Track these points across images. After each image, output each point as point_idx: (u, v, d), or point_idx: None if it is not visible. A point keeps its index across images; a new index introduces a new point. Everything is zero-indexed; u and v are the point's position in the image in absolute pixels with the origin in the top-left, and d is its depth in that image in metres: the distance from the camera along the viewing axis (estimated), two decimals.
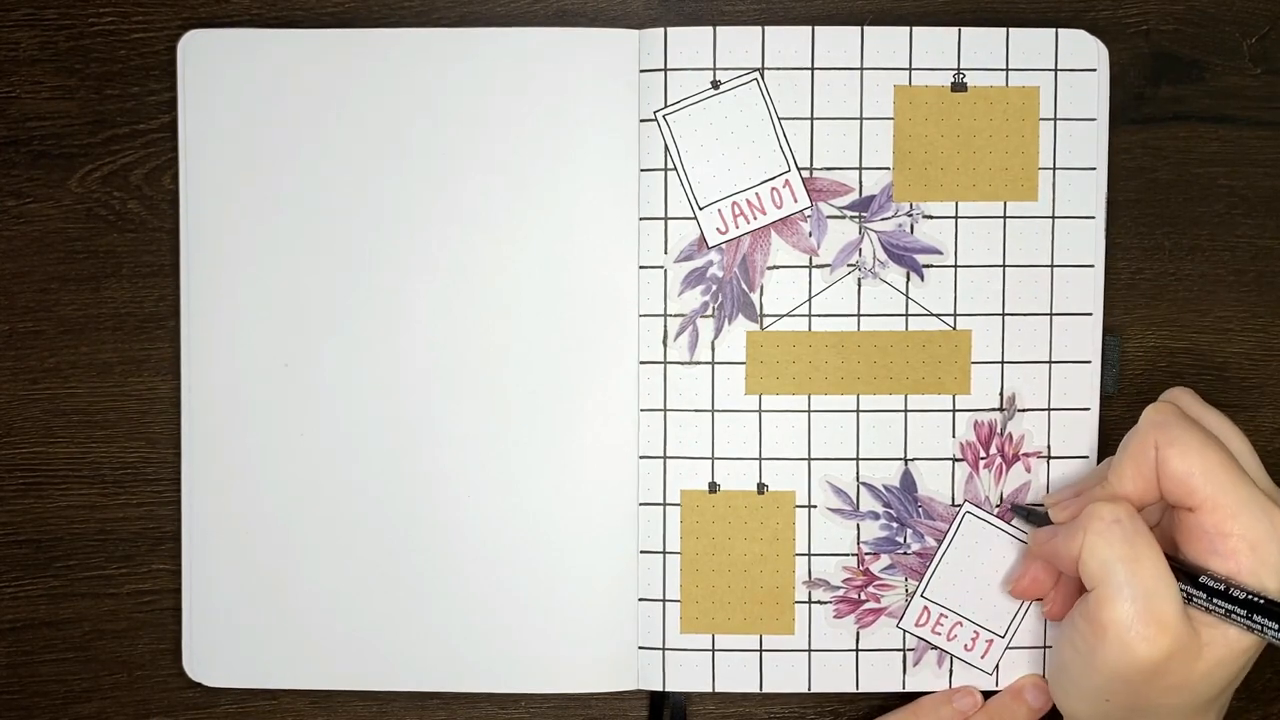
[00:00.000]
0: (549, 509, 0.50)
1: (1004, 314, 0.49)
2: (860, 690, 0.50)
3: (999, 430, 0.50)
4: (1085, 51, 0.49)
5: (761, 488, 0.50)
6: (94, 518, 0.51)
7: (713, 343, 0.49)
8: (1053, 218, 0.49)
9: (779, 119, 0.49)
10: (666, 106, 0.49)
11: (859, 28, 0.49)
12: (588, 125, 0.49)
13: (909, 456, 0.50)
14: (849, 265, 0.49)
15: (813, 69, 0.49)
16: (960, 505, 0.50)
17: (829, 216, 0.49)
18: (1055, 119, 0.49)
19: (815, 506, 0.50)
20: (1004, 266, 0.49)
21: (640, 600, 0.50)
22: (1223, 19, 0.50)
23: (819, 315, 0.49)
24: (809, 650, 0.50)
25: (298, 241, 0.49)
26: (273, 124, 0.49)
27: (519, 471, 0.50)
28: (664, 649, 0.50)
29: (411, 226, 0.49)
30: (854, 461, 0.50)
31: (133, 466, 0.51)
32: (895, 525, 0.50)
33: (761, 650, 0.50)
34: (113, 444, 0.51)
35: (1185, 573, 0.42)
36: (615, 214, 0.49)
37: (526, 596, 0.50)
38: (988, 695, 0.50)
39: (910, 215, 0.49)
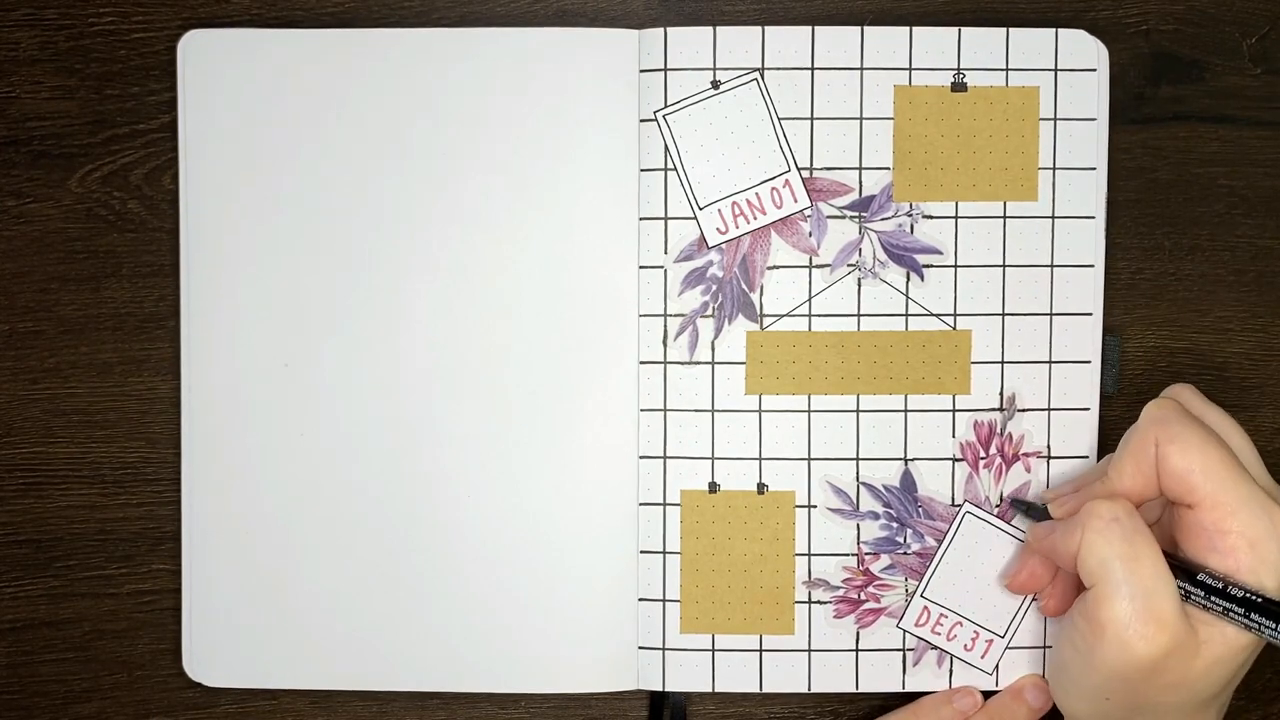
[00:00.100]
0: (549, 509, 0.50)
1: (1004, 314, 0.49)
2: (860, 690, 0.50)
3: (999, 430, 0.50)
4: (1085, 51, 0.49)
5: (761, 488, 0.50)
6: (94, 518, 0.51)
7: (713, 343, 0.49)
8: (1053, 218, 0.49)
9: (779, 119, 0.49)
10: (666, 106, 0.49)
11: (859, 28, 0.49)
12: (588, 125, 0.49)
13: (909, 456, 0.50)
14: (849, 265, 0.49)
15: (813, 69, 0.49)
16: (960, 505, 0.50)
17: (829, 216, 0.49)
18: (1055, 119, 0.49)
19: (815, 506, 0.50)
20: (1004, 266, 0.49)
21: (640, 600, 0.50)
22: (1223, 19, 0.50)
23: (819, 315, 0.49)
24: (809, 650, 0.50)
25: (298, 241, 0.50)
26: (273, 124, 0.49)
27: (519, 471, 0.50)
28: (664, 649, 0.50)
29: (411, 226, 0.49)
30: (854, 461, 0.50)
31: (133, 466, 0.51)
32: (895, 525, 0.50)
33: (761, 650, 0.50)
34: (113, 444, 0.51)
35: (1184, 570, 0.42)
36: (615, 214, 0.49)
37: (526, 596, 0.50)
38: (988, 695, 0.50)
39: (910, 215, 0.49)
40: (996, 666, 0.50)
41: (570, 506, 0.50)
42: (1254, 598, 0.40)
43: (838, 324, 0.49)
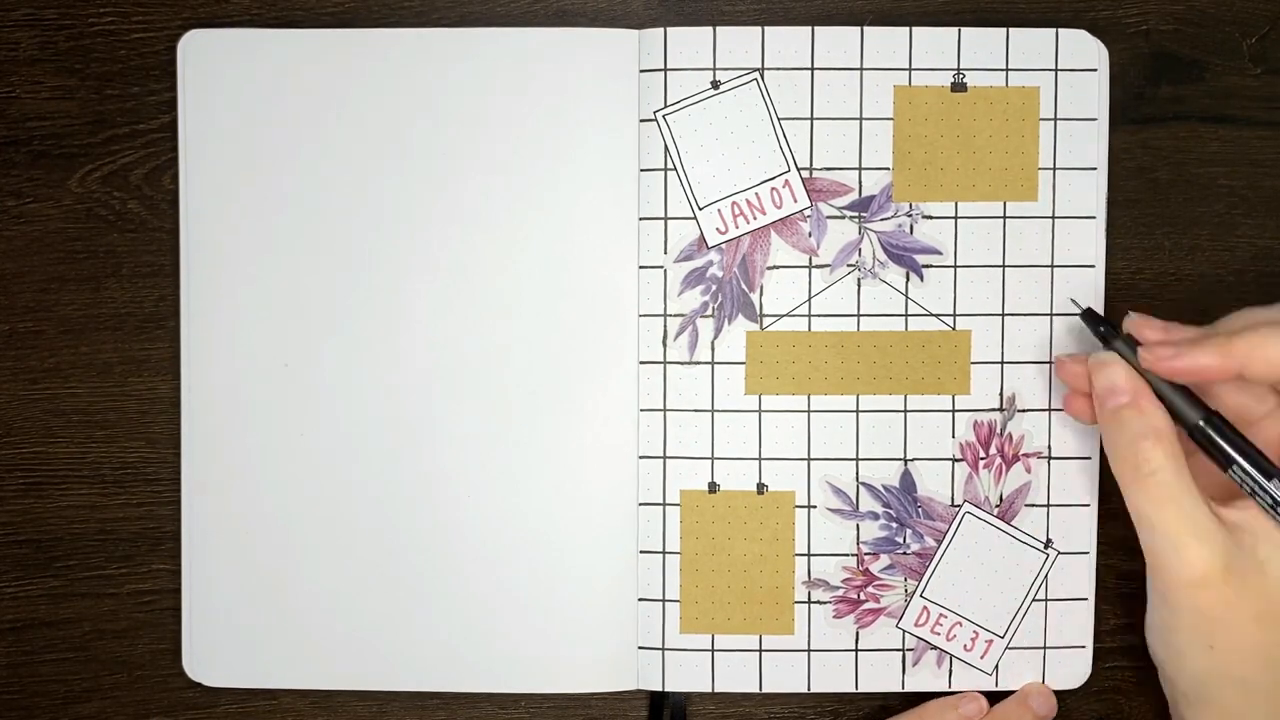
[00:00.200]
0: (549, 509, 0.50)
1: (1004, 314, 0.49)
2: (860, 690, 0.50)
3: (999, 430, 0.50)
4: (1085, 51, 0.49)
5: (761, 488, 0.50)
6: (94, 518, 0.51)
7: (712, 343, 0.49)
8: (1053, 218, 0.49)
9: (779, 119, 0.49)
10: (666, 106, 0.49)
11: (859, 28, 0.49)
12: (588, 125, 0.49)
13: (909, 457, 0.50)
14: (849, 265, 0.49)
15: (812, 69, 0.49)
16: (960, 505, 0.50)
17: (829, 216, 0.49)
18: (1055, 119, 0.49)
19: (815, 506, 0.50)
20: (1004, 266, 0.49)
21: (640, 600, 0.50)
22: (1223, 19, 0.50)
23: (819, 315, 0.49)
24: (809, 650, 0.50)
25: (298, 241, 0.50)
26: (273, 124, 0.49)
27: (519, 471, 0.50)
28: (664, 649, 0.50)
29: (411, 226, 0.49)
30: (854, 461, 0.50)
31: (133, 466, 0.51)
32: (895, 525, 0.50)
33: (761, 650, 0.50)
34: (113, 444, 0.51)
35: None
36: (615, 214, 0.49)
37: (526, 596, 0.50)
38: (991, 698, 0.50)
39: (910, 215, 0.49)
40: (996, 667, 0.50)
41: (570, 506, 0.50)
42: None
43: (837, 324, 0.49)
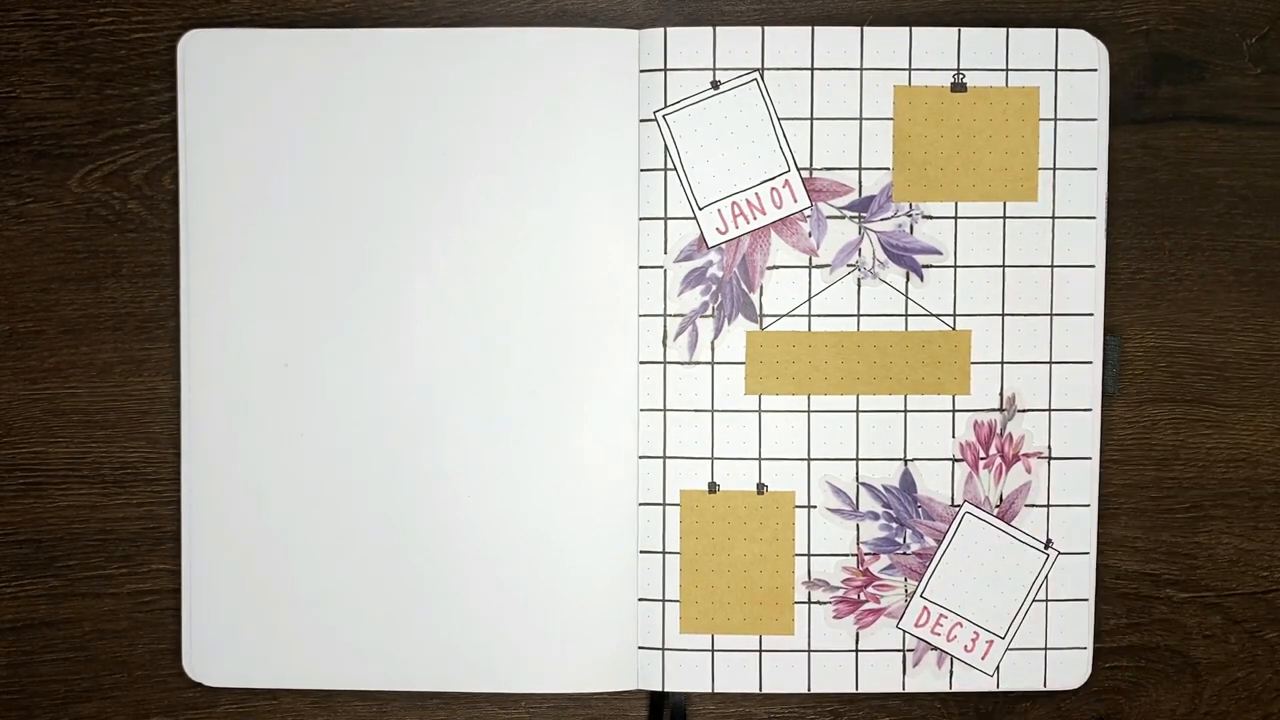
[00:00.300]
0: (549, 509, 0.50)
1: (1004, 314, 0.49)
2: (860, 690, 0.50)
3: (999, 430, 0.50)
4: (1085, 51, 0.49)
5: (761, 488, 0.50)
6: (94, 518, 0.51)
7: (712, 343, 0.49)
8: (1053, 218, 0.49)
9: (779, 119, 0.49)
10: (666, 106, 0.49)
11: (859, 28, 0.49)
12: (588, 125, 0.49)
13: (909, 457, 0.50)
14: (849, 265, 0.49)
15: (812, 69, 0.49)
16: (960, 505, 0.50)
17: (829, 216, 0.49)
18: (1055, 119, 0.49)
19: (815, 507, 0.50)
20: (1004, 267, 0.49)
21: (640, 600, 0.50)
22: (1223, 19, 0.50)
23: (819, 315, 0.49)
24: (809, 650, 0.50)
25: (297, 241, 0.50)
26: (273, 124, 0.49)
27: (519, 471, 0.50)
28: (664, 649, 0.50)
29: (411, 226, 0.49)
30: (854, 462, 0.50)
31: (133, 466, 0.51)
32: (895, 525, 0.50)
33: (761, 650, 0.50)
34: (113, 444, 0.51)
35: None
36: (615, 214, 0.49)
37: (526, 596, 0.50)
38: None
39: (910, 215, 0.49)
40: (997, 668, 0.50)
41: (570, 506, 0.50)
42: None
43: (837, 324, 0.49)
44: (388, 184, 0.49)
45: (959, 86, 0.49)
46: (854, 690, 0.50)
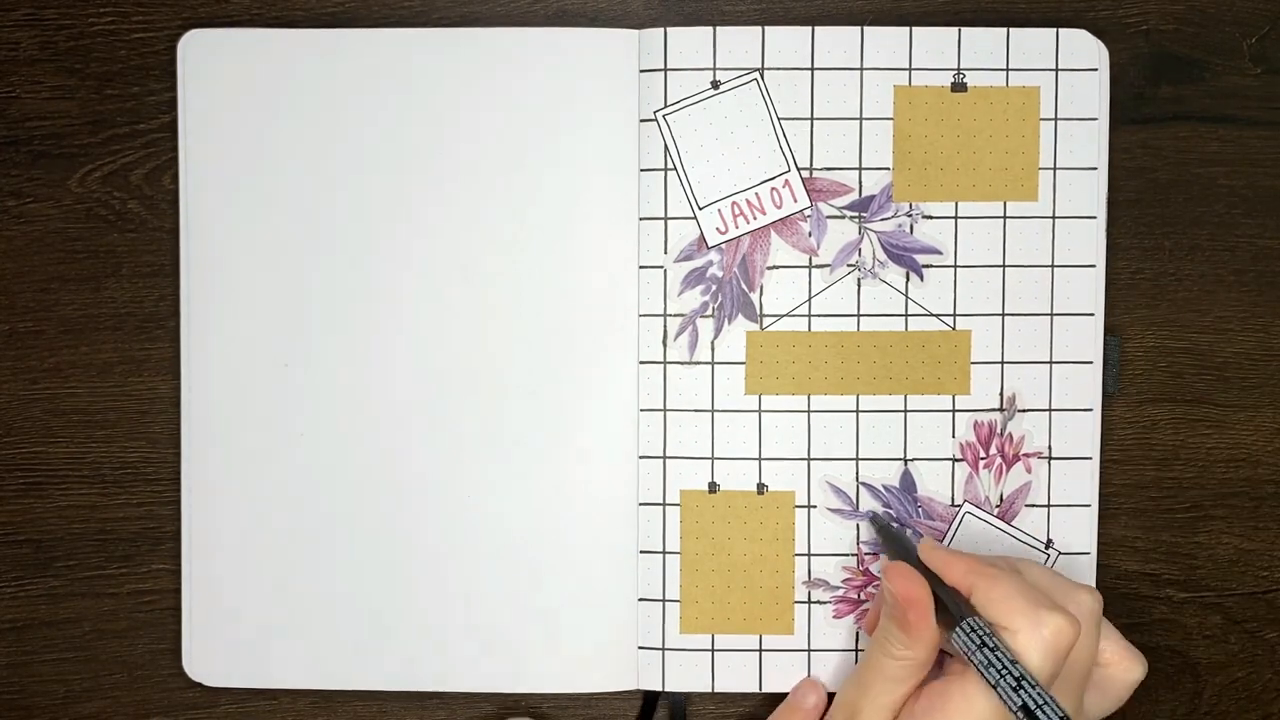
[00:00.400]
0: (549, 509, 0.50)
1: (1004, 314, 0.49)
2: None
3: (999, 430, 0.50)
4: (1085, 51, 0.49)
5: (761, 488, 0.50)
6: (94, 518, 0.51)
7: (712, 343, 0.49)
8: (1053, 218, 0.49)
9: (779, 119, 0.49)
10: (666, 106, 0.49)
11: (859, 28, 0.49)
12: (588, 125, 0.49)
13: (909, 457, 0.50)
14: (849, 265, 0.49)
15: (812, 69, 0.49)
16: (960, 505, 0.50)
17: (829, 216, 0.49)
18: (1056, 119, 0.49)
19: (815, 506, 0.50)
20: (1004, 266, 0.49)
21: (640, 600, 0.50)
22: (1223, 19, 0.50)
23: (819, 315, 0.49)
24: (809, 650, 0.50)
25: (297, 241, 0.50)
26: (273, 124, 0.49)
27: (519, 471, 0.50)
28: (664, 649, 0.50)
29: (411, 226, 0.49)
30: (854, 461, 0.50)
31: (133, 466, 0.51)
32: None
33: (761, 650, 0.50)
34: (113, 444, 0.51)
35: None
36: (615, 214, 0.49)
37: (526, 596, 0.50)
38: None
39: (910, 215, 0.49)
40: None
41: (570, 506, 0.50)
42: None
43: (837, 324, 0.49)
44: (387, 183, 0.49)
45: (959, 86, 0.49)
46: None
